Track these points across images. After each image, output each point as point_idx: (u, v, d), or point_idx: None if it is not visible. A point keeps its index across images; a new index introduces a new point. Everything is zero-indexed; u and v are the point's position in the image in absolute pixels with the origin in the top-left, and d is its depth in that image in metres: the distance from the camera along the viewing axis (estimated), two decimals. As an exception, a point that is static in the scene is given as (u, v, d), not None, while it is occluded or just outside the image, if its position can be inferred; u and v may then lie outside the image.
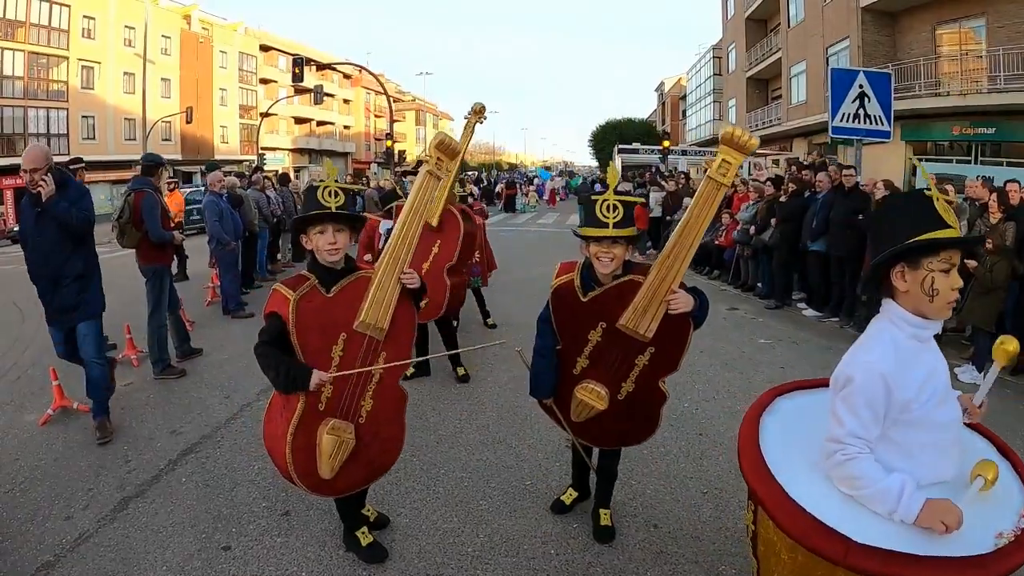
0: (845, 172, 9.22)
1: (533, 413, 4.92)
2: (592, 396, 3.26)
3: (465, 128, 5.88)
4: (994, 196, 7.34)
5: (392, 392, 3.25)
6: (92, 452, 4.98)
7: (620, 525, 3.78)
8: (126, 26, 39.85)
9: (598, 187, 30.40)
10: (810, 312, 9.70)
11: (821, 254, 9.45)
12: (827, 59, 25.87)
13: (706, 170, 3.05)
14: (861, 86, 10.52)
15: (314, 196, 2.97)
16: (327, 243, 2.95)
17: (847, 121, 10.48)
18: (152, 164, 7.24)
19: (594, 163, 59.21)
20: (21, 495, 4.31)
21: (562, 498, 3.99)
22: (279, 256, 14.34)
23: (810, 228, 9.39)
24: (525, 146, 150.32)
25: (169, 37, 43.80)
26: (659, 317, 3.03)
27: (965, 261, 6.98)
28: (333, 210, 2.95)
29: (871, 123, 10.62)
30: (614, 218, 3.00)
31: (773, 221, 10.28)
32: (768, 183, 11.34)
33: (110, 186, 34.05)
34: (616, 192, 3.06)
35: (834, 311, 9.42)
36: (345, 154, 64.86)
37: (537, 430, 5.13)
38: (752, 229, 10.72)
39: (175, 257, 7.68)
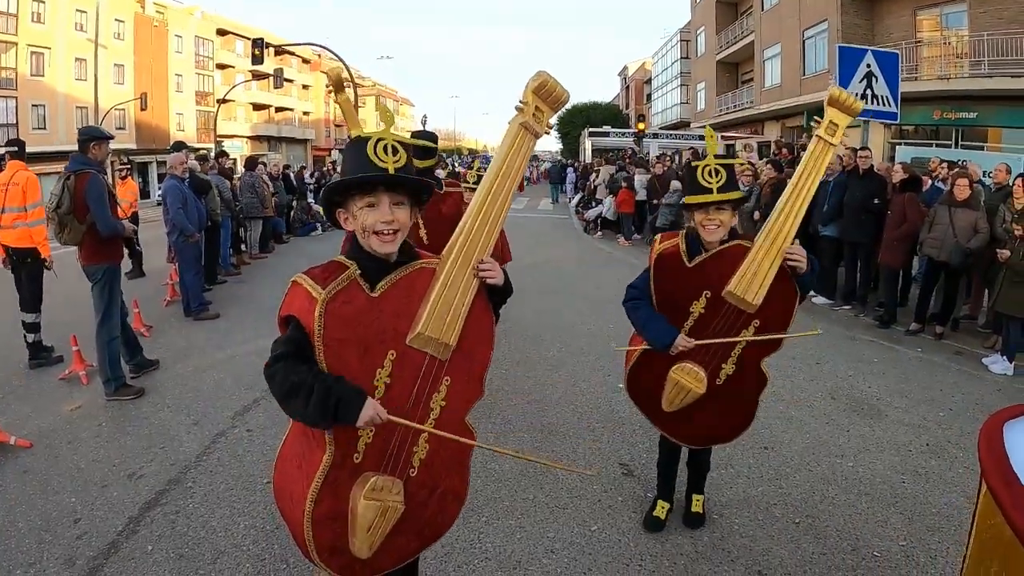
0: (860, 154, 8.72)
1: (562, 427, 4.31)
2: (690, 378, 3.01)
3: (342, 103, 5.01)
4: (1019, 181, 7.06)
5: (456, 431, 2.21)
6: (34, 507, 3.96)
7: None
8: (77, 10, 38.10)
9: (568, 171, 30.01)
10: (820, 300, 9.24)
11: (833, 239, 8.96)
12: (803, 42, 25.72)
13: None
14: (869, 65, 10.05)
15: (361, 152, 1.95)
16: (381, 221, 1.96)
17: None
18: (87, 139, 5.85)
19: (557, 147, 58.60)
20: (-56, 573, 3.36)
21: (655, 513, 3.61)
22: (243, 247, 13.41)
23: (821, 212, 8.91)
24: (486, 132, 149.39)
25: (123, 21, 42.14)
26: (767, 284, 2.82)
27: (997, 251, 6.64)
28: (391, 172, 1.95)
29: (879, 104, 10.15)
30: (717, 182, 2.80)
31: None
32: (769, 166, 10.84)
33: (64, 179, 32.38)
34: (716, 157, 2.85)
35: (846, 299, 9.00)
36: (305, 140, 63.54)
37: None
38: (756, 214, 10.20)
39: (128, 252, 6.41)
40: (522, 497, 3.91)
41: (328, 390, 1.81)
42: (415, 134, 4.62)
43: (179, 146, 10.56)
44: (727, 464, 4.24)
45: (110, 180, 6.96)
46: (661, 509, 3.61)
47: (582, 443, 4.65)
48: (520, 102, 2.22)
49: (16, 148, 6.88)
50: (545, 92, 2.24)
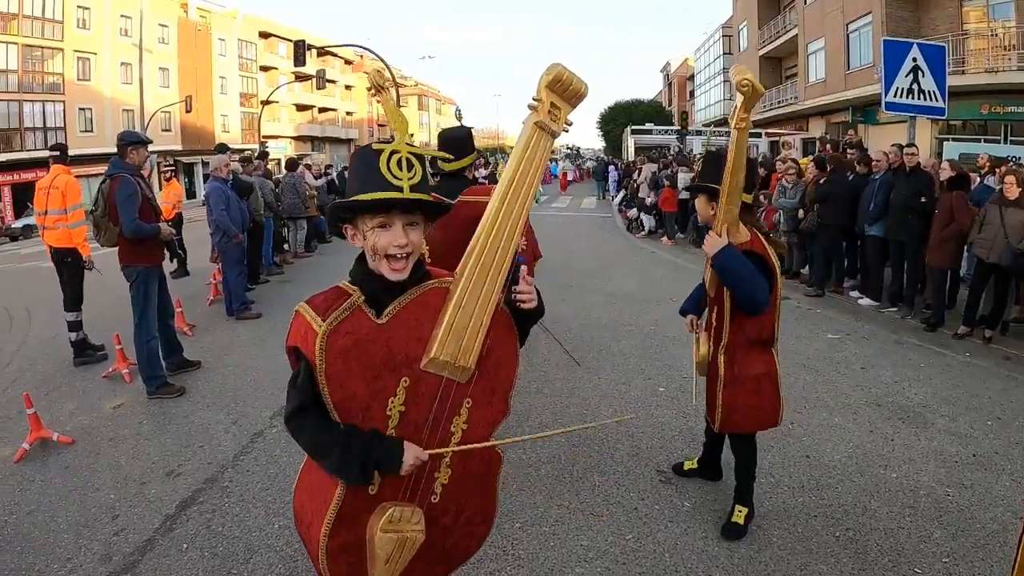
0: (907, 151, 8.49)
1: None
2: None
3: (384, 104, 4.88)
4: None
5: (480, 452, 2.04)
6: (73, 502, 4.03)
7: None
8: (122, 15, 39.06)
9: (611, 169, 29.83)
10: (866, 301, 9.04)
11: (879, 239, 8.76)
12: (847, 36, 25.25)
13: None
14: (915, 59, 9.77)
15: (373, 167, 1.78)
16: (394, 245, 1.80)
17: (901, 96, 9.74)
18: (124, 143, 5.97)
19: (600, 145, 58.34)
20: (-15, 567, 3.45)
21: (685, 466, 4.16)
22: (286, 246, 13.63)
23: (867, 211, 8.71)
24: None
25: (166, 26, 43.06)
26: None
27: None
28: (406, 193, 1.78)
29: (925, 99, 9.87)
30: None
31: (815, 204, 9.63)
32: (812, 164, 10.63)
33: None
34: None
35: (892, 300, 8.78)
36: (348, 140, 64.25)
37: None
38: (800, 213, 10.01)
39: (168, 255, 6.47)
40: (557, 503, 3.87)
41: (365, 447, 1.76)
42: (446, 131, 4.44)
43: (222, 148, 10.71)
44: (768, 473, 4.15)
45: (156, 183, 7.10)
46: (690, 462, 4.16)
47: (620, 448, 4.58)
48: (533, 99, 1.97)
49: (58, 152, 7.05)
50: (561, 86, 1.96)
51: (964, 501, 3.87)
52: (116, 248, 5.97)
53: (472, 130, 4.55)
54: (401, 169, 1.79)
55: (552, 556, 3.38)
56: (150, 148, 6.43)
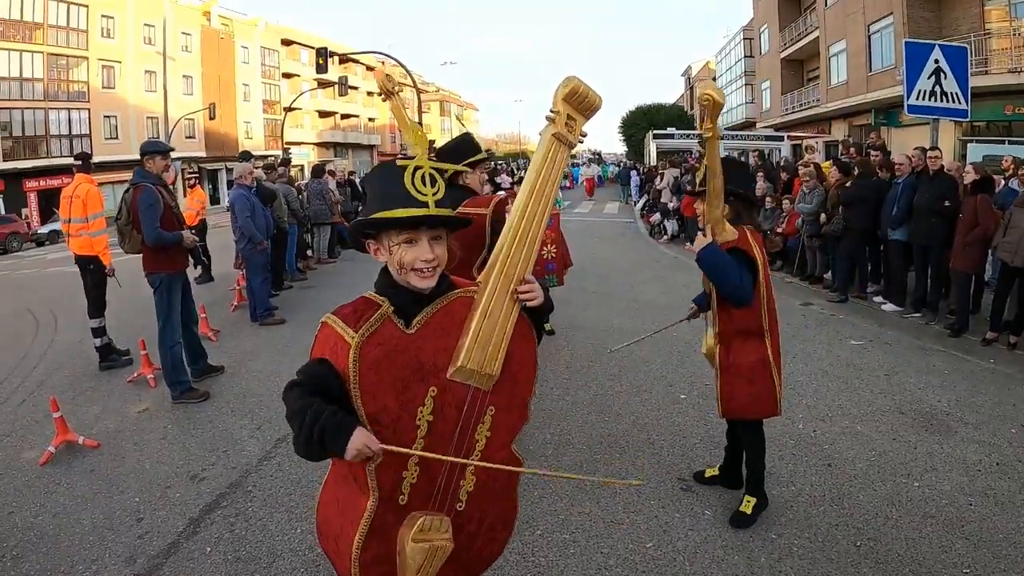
0: (930, 155, 8.42)
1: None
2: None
3: (393, 110, 4.62)
4: None
5: (503, 459, 2.03)
6: (98, 505, 4.11)
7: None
8: (145, 24, 39.70)
9: (633, 174, 29.78)
10: (889, 307, 8.95)
11: (902, 244, 8.69)
12: (869, 37, 25.06)
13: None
14: (937, 61, 9.70)
15: (397, 182, 1.81)
16: (421, 260, 1.82)
17: (923, 99, 9.67)
18: (142, 153, 6.09)
19: (622, 150, 58.17)
20: (12, 567, 3.49)
21: (707, 474, 4.20)
22: (309, 252, 13.72)
23: (889, 215, 8.64)
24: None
25: (189, 34, 43.59)
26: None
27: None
28: (432, 209, 1.81)
29: (948, 101, 9.80)
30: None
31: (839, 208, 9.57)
32: (834, 168, 10.56)
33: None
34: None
35: (916, 306, 8.70)
36: (371, 146, 64.67)
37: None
38: (823, 217, 9.95)
39: (192, 261, 6.52)
40: (577, 511, 3.88)
41: (316, 418, 1.67)
42: (448, 143, 4.38)
43: (246, 156, 10.82)
44: (789, 482, 4.15)
45: (180, 189, 7.22)
46: (711, 470, 4.21)
47: (641, 456, 4.59)
48: (551, 111, 2.05)
49: (80, 161, 7.19)
50: (576, 99, 2.06)
51: (986, 510, 3.83)
52: (140, 255, 6.04)
53: (469, 135, 4.43)
54: (425, 185, 1.82)
55: (572, 564, 3.39)
56: (173, 155, 6.53)
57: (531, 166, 2.07)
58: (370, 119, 65.90)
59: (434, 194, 1.83)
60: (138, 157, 6.11)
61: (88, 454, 4.84)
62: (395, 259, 1.85)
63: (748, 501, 3.72)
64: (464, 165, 4.00)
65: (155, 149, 6.15)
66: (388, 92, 4.68)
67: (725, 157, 3.37)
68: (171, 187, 6.77)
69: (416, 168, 1.82)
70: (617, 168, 40.63)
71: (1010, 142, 18.31)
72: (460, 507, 2.00)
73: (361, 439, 1.68)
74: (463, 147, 4.17)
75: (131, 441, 5.06)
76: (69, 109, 35.46)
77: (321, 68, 29.17)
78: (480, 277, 2.00)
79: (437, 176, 1.86)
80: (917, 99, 9.65)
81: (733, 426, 3.93)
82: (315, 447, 1.68)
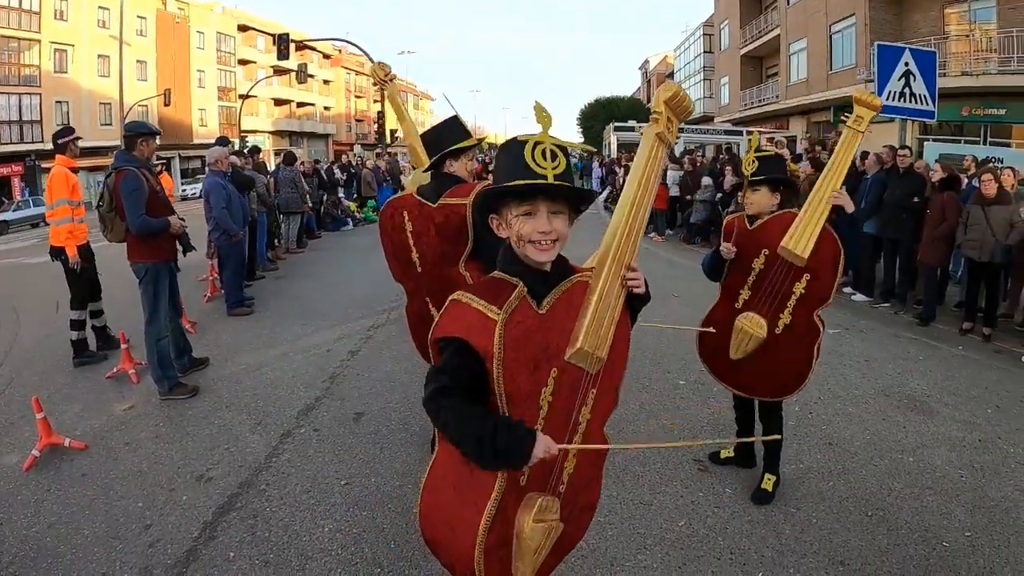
0: (900, 153, 8.85)
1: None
2: (752, 324, 3.68)
3: (389, 98, 4.79)
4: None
5: (598, 440, 2.13)
6: (98, 512, 3.81)
7: (807, 569, 3.34)
8: (100, 7, 38.74)
9: (595, 166, 29.81)
10: (859, 297, 9.38)
11: (871, 236, 9.11)
12: (830, 37, 25.69)
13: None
14: (907, 64, 10.15)
15: (518, 157, 1.84)
16: (538, 232, 1.85)
17: (894, 100, 10.10)
18: (133, 135, 5.64)
19: (579, 140, 58.31)
20: (7, 590, 3.19)
21: (722, 455, 4.42)
22: (277, 242, 13.39)
23: (859, 209, 9.03)
24: (506, 127, 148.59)
25: (144, 18, 42.68)
26: (814, 238, 3.43)
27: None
28: (551, 180, 1.83)
29: (917, 102, 10.26)
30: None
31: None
32: (807, 163, 10.92)
33: (86, 173, 31.31)
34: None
35: (885, 296, 9.11)
36: (326, 135, 63.94)
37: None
38: (796, 210, 10.28)
39: (181, 249, 6.10)
40: (607, 494, 3.83)
41: (497, 433, 1.70)
42: (436, 126, 3.97)
43: (223, 141, 10.19)
44: (796, 460, 4.40)
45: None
46: (726, 451, 4.42)
47: (656, 440, 4.75)
48: (654, 112, 2.20)
49: (52, 143, 6.68)
50: (676, 103, 2.20)
51: (976, 481, 4.18)
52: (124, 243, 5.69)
53: (457, 118, 3.98)
54: (545, 159, 1.84)
55: (612, 545, 3.52)
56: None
57: (636, 162, 2.21)
58: (326, 108, 65.11)
59: (554, 168, 1.84)
60: (93, 143, 5.87)
61: (76, 457, 4.51)
62: (514, 231, 1.89)
63: (768, 479, 3.93)
64: (451, 151, 3.69)
65: (145, 130, 5.75)
66: (382, 80, 4.83)
67: (768, 154, 3.72)
68: (155, 172, 6.29)
69: (536, 143, 1.86)
70: (577, 161, 40.88)
71: (965, 141, 19.06)
72: (562, 489, 2.05)
73: (543, 446, 1.75)
74: (449, 131, 3.81)
75: (122, 442, 4.74)
76: (20, 94, 34.44)
77: (282, 55, 28.86)
78: (595, 262, 2.07)
79: (558, 151, 1.87)
80: (888, 100, 10.05)
81: (744, 407, 4.15)
82: (497, 463, 1.76)
